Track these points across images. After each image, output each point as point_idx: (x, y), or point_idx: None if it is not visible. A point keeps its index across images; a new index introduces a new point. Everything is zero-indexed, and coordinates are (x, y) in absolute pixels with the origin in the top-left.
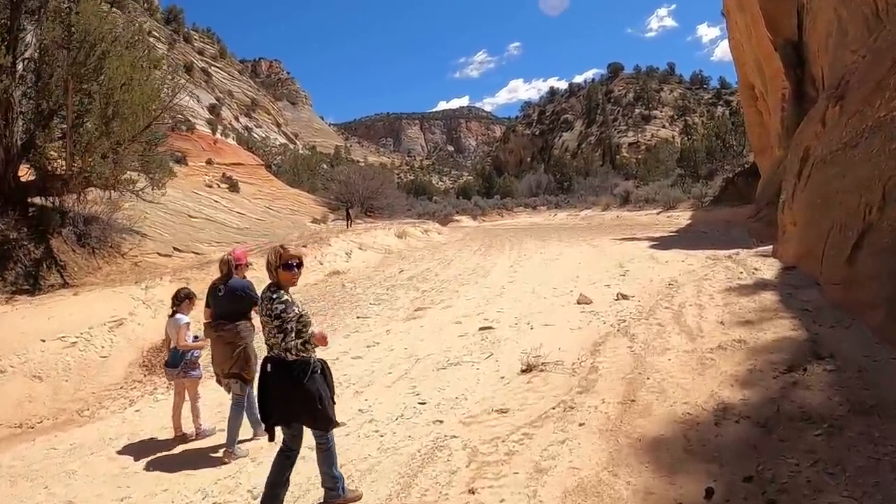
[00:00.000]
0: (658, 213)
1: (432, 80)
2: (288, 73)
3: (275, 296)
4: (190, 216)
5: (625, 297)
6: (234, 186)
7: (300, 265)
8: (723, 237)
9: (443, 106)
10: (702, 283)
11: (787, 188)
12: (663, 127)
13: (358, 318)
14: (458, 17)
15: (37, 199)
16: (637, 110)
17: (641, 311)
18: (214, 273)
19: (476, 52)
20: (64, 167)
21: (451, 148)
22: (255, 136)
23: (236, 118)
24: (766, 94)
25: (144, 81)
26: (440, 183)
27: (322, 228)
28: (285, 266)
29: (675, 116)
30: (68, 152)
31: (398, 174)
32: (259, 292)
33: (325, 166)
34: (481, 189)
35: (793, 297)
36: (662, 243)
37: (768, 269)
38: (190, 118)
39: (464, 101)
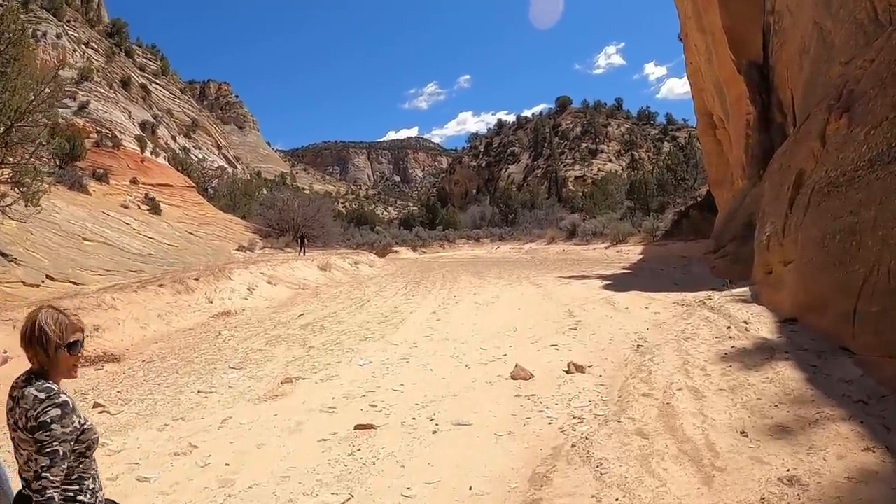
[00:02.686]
0: (607, 248)
1: (381, 110)
2: (237, 97)
3: (40, 393)
4: (84, 239)
5: (579, 368)
6: (155, 209)
7: (82, 343)
8: (683, 276)
9: (391, 136)
10: (683, 344)
11: (774, 221)
12: (610, 161)
13: (199, 392)
14: (409, 50)
15: None
16: (584, 144)
17: (607, 401)
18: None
19: (426, 84)
20: None
21: (397, 178)
22: (193, 156)
23: (174, 137)
24: (728, 120)
25: None
26: (385, 213)
27: (242, 257)
28: (71, 346)
29: (622, 151)
30: None
31: (343, 203)
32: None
33: (265, 192)
34: (425, 220)
35: (822, 373)
36: (617, 283)
37: (760, 321)
38: (117, 134)
39: (413, 132)
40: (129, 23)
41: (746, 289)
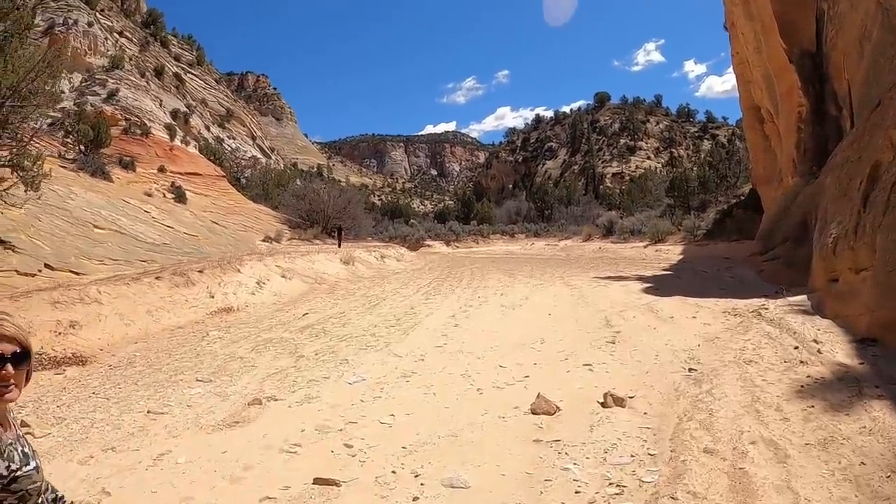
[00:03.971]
0: (645, 246)
1: (419, 104)
2: (274, 89)
3: None
4: (95, 226)
5: (618, 401)
6: (180, 197)
7: (19, 361)
8: (730, 279)
9: (429, 130)
10: (745, 369)
11: (841, 221)
12: (648, 158)
13: (149, 412)
14: (448, 45)
15: None
16: (622, 140)
17: (656, 457)
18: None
19: (465, 79)
20: None
21: (434, 172)
22: (227, 146)
23: (207, 127)
24: (777, 114)
25: None
26: (421, 206)
27: (265, 248)
28: None
29: (661, 148)
30: None
31: (379, 195)
32: None
33: (298, 182)
34: (460, 214)
35: None
36: (658, 286)
37: (832, 341)
38: (146, 122)
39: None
40: (169, 15)
41: (805, 297)
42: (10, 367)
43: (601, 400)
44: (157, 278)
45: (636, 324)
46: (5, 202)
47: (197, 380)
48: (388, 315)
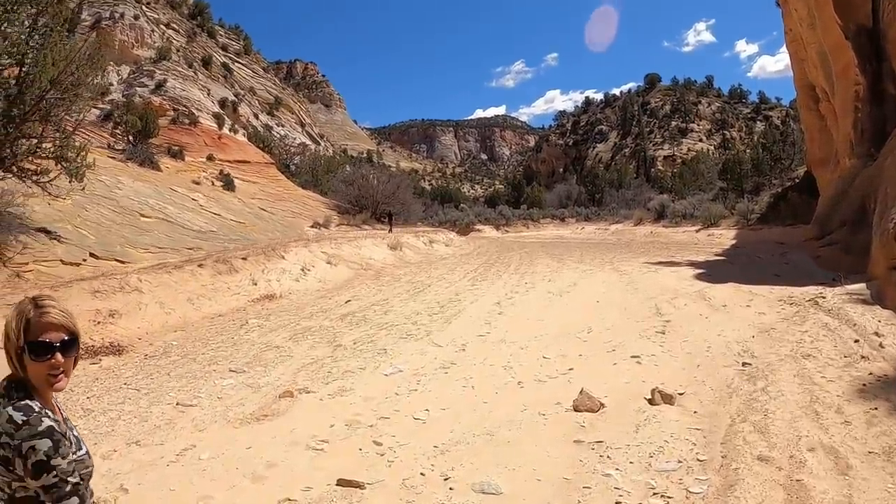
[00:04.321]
0: (697, 231)
1: (468, 88)
2: (323, 76)
3: (16, 414)
4: (142, 215)
5: (667, 398)
6: (228, 185)
7: (69, 347)
8: (784, 266)
9: (479, 114)
10: (803, 364)
11: None
12: (700, 140)
13: (178, 404)
14: (496, 28)
15: None
16: (674, 122)
17: (705, 464)
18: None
19: (513, 62)
20: None
21: (484, 156)
22: (275, 134)
23: (256, 115)
24: (833, 93)
25: None
26: (471, 191)
27: (313, 234)
28: (34, 348)
29: (713, 130)
30: None
31: (429, 180)
32: None
33: (347, 168)
34: (510, 198)
35: None
36: (711, 272)
37: (894, 332)
38: (194, 111)
39: (500, 110)
40: (215, 6)
41: (864, 285)
42: (59, 356)
43: (649, 396)
44: (199, 266)
45: (687, 312)
46: (49, 193)
47: (230, 370)
48: (432, 302)
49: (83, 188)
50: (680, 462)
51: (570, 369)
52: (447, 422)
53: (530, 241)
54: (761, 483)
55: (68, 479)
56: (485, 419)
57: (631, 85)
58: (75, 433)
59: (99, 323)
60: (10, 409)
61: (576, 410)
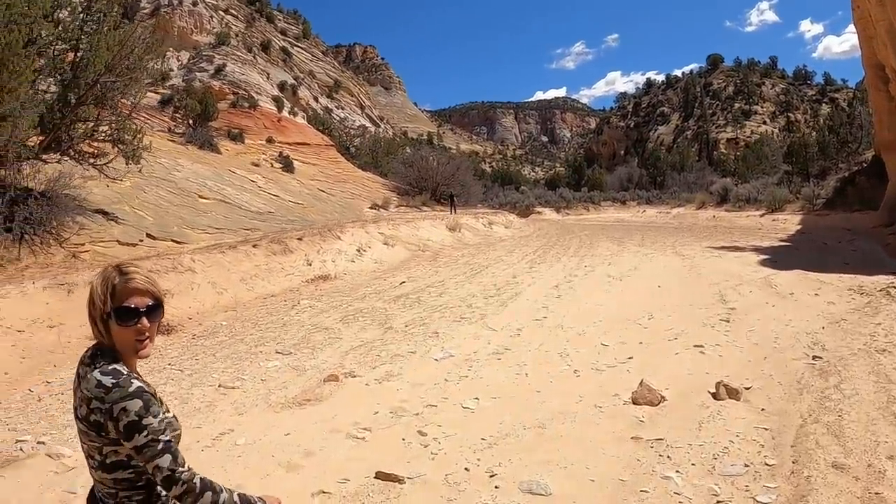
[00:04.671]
0: (761, 215)
1: (528, 70)
2: (382, 59)
3: (105, 378)
4: (200, 196)
5: (733, 392)
6: (288, 166)
7: (154, 312)
8: (852, 253)
9: (539, 96)
10: (877, 359)
11: None
12: (764, 122)
13: (220, 387)
14: (555, 9)
15: None
16: (737, 104)
17: (774, 469)
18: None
19: (573, 44)
20: None
21: (545, 138)
22: (335, 116)
23: (315, 98)
24: None
25: None
26: (532, 173)
27: (372, 215)
28: (120, 314)
29: (777, 112)
30: None
31: (490, 162)
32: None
33: (407, 150)
34: (570, 181)
35: None
36: (776, 258)
37: None
38: (254, 95)
39: (561, 92)
40: None
41: None
42: (145, 321)
43: (713, 390)
44: (253, 246)
45: (753, 300)
46: (106, 175)
47: (276, 352)
48: (489, 284)
49: (140, 170)
50: (746, 466)
51: (630, 358)
52: (497, 412)
53: (590, 224)
54: (836, 494)
55: (160, 437)
56: (537, 410)
57: (693, 66)
58: (163, 407)
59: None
60: (97, 373)
61: (634, 403)
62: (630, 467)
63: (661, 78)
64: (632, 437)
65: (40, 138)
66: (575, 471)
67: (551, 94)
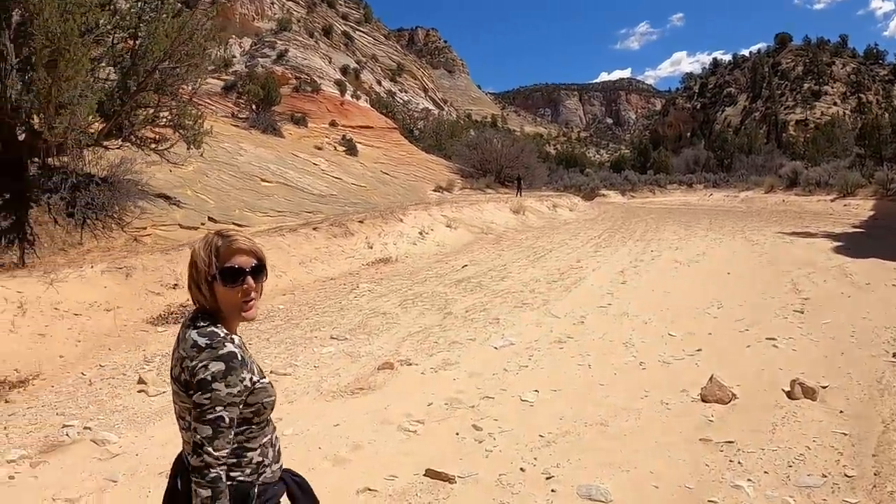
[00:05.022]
0: (832, 200)
1: (592, 51)
2: (445, 42)
3: (200, 339)
4: (262, 180)
5: (809, 392)
6: (351, 150)
7: (258, 272)
8: None
9: (604, 77)
10: None
11: None
12: (834, 104)
13: (271, 372)
14: None
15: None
16: (806, 85)
17: (854, 482)
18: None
19: (638, 24)
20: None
21: (609, 120)
22: (398, 100)
23: (378, 82)
24: None
25: None
26: (597, 156)
27: (436, 197)
28: (225, 274)
29: (848, 93)
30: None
31: (554, 145)
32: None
33: (471, 133)
34: (636, 163)
35: None
36: (850, 245)
37: None
38: (316, 79)
39: (625, 73)
40: None
41: None
42: (250, 280)
43: (787, 388)
44: (314, 229)
45: (827, 290)
46: (168, 160)
47: (332, 337)
48: (552, 269)
49: (201, 154)
50: (824, 477)
51: (698, 350)
52: (557, 406)
53: (656, 208)
54: None
55: (216, 408)
56: (599, 405)
57: (760, 45)
58: (256, 368)
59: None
60: (194, 333)
61: (703, 401)
62: (698, 473)
63: (727, 58)
64: (700, 439)
65: (101, 125)
66: (638, 475)
67: (616, 74)
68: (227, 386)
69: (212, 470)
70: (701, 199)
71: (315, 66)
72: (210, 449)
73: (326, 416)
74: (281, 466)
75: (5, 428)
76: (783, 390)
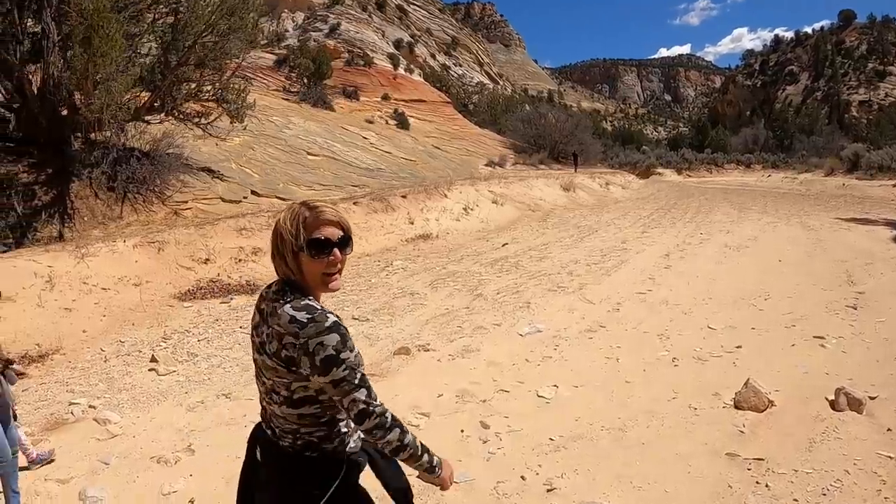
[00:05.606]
0: (895, 185)
1: (651, 26)
2: (501, 16)
3: (299, 314)
4: (309, 153)
5: (854, 403)
6: (402, 123)
7: (345, 244)
8: None
9: (662, 53)
10: None
11: None
12: None
13: None
14: None
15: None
16: (870, 64)
17: None
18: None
19: None
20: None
21: (668, 97)
22: (453, 74)
23: (433, 56)
24: None
25: None
26: (654, 133)
27: (486, 172)
28: (312, 245)
29: None
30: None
31: (611, 121)
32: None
33: (526, 108)
34: (693, 141)
35: None
36: None
37: None
38: (369, 53)
39: (685, 49)
40: None
41: None
42: (338, 252)
43: (831, 397)
44: (354, 203)
45: (885, 283)
46: (210, 134)
47: (353, 318)
48: (594, 249)
49: (244, 128)
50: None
51: (738, 347)
52: (575, 405)
53: (712, 188)
54: None
55: (357, 370)
56: (622, 407)
57: (824, 22)
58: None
59: (240, 261)
60: (288, 308)
61: (736, 408)
62: (718, 495)
63: (789, 35)
64: (727, 454)
65: (144, 99)
66: (650, 494)
67: (675, 50)
68: (351, 350)
69: (386, 418)
70: (758, 179)
71: (368, 40)
72: (375, 404)
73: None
74: (361, 436)
75: (16, 404)
76: (826, 399)
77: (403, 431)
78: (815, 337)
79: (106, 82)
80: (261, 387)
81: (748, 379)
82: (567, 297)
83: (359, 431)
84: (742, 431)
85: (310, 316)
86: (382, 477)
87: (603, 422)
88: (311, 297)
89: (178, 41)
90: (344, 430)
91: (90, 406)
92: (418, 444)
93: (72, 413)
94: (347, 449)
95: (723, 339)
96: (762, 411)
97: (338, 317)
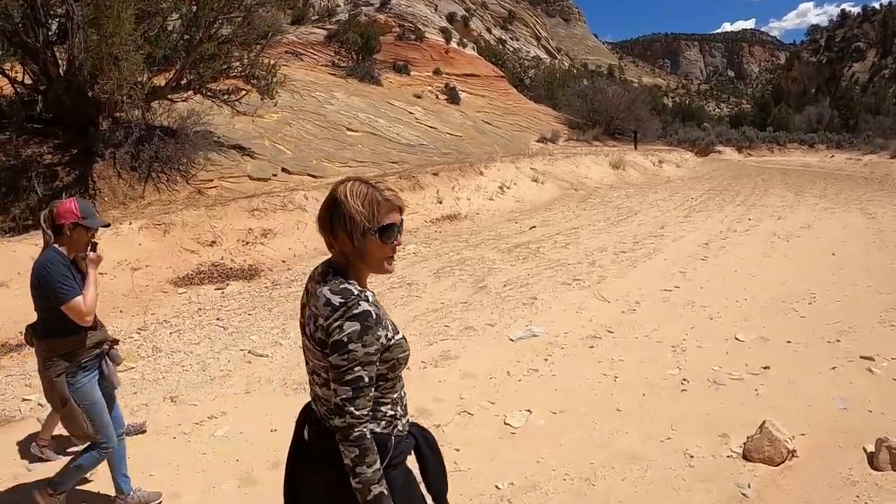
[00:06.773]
0: None
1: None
2: None
3: (334, 297)
4: (348, 129)
5: None
6: (453, 98)
7: (401, 227)
8: None
9: (725, 28)
10: None
11: None
12: None
13: (248, 352)
14: None
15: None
16: None
17: None
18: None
19: None
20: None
21: (731, 73)
22: (509, 48)
23: (488, 30)
24: None
25: None
26: (716, 110)
27: (537, 148)
28: (384, 231)
29: None
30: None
31: (673, 97)
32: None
33: (584, 82)
34: (756, 119)
35: None
36: None
37: None
38: (420, 27)
39: (748, 24)
40: None
41: None
42: (400, 237)
43: (870, 448)
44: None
45: None
46: (238, 111)
47: None
48: (627, 235)
49: (276, 104)
50: None
51: (765, 368)
52: (545, 439)
53: (771, 167)
54: None
55: (355, 368)
56: (600, 446)
57: None
58: (392, 325)
59: (247, 244)
60: (326, 290)
61: (745, 458)
62: None
63: (857, 10)
64: None
65: (168, 77)
66: None
67: (738, 25)
68: (363, 346)
69: (355, 429)
70: (821, 160)
71: (419, 14)
72: (352, 409)
73: (271, 415)
74: (409, 420)
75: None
76: (864, 450)
77: (367, 458)
78: (862, 358)
79: (117, 62)
80: (307, 367)
81: (764, 422)
82: (580, 293)
83: (407, 415)
84: (745, 495)
85: (343, 300)
86: (426, 474)
87: (570, 466)
88: (352, 281)
89: (199, 18)
90: (390, 412)
91: (39, 404)
92: (377, 489)
93: (19, 410)
94: (395, 431)
95: (749, 355)
96: (777, 465)
97: (376, 304)
